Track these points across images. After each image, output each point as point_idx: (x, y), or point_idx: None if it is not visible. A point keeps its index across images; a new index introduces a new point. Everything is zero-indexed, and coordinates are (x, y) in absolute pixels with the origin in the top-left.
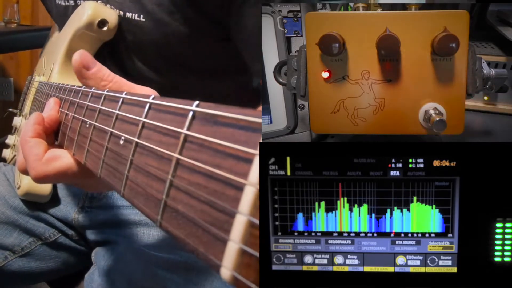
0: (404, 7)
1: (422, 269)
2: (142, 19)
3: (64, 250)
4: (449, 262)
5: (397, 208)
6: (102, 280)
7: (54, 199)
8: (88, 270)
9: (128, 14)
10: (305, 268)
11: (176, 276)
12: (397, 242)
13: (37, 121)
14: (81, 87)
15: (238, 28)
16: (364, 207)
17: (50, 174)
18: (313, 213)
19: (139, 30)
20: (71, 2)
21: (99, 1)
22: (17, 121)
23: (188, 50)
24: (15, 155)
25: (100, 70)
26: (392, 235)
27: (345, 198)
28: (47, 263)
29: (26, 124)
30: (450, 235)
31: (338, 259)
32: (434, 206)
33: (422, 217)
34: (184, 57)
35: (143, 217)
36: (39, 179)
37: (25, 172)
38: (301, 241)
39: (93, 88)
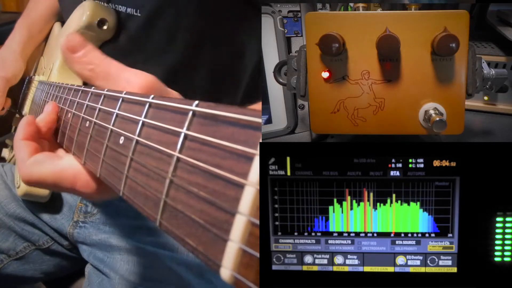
0: (404, 7)
1: (422, 269)
2: (138, 14)
3: (58, 256)
4: (449, 262)
5: (397, 208)
6: None
7: (51, 208)
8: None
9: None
10: (305, 268)
11: None
12: (397, 242)
13: (28, 122)
14: (80, 86)
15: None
16: (364, 207)
17: (33, 178)
18: (312, 213)
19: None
20: None
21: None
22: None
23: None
24: (14, 155)
25: (87, 55)
26: (392, 235)
27: (345, 198)
28: (41, 266)
29: (18, 126)
30: (450, 235)
31: (338, 259)
32: (434, 206)
33: (422, 217)
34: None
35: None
36: (25, 182)
37: None
38: (301, 241)
39: (93, 87)
